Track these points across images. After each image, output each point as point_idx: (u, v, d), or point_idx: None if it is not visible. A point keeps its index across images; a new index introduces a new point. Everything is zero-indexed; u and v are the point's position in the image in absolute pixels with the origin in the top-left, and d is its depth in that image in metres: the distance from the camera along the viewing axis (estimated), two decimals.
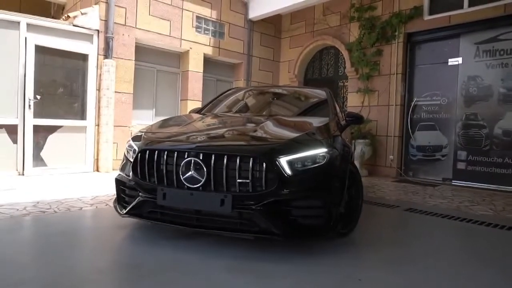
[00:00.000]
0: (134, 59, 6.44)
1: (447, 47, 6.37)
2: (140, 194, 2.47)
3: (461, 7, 6.03)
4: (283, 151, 2.31)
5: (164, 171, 2.38)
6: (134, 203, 2.50)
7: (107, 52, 6.00)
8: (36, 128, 5.40)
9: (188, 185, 2.30)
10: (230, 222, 2.28)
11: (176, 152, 2.36)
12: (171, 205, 2.35)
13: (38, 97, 5.38)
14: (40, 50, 5.41)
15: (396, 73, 6.81)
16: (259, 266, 2.15)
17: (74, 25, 5.72)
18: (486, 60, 5.90)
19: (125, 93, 6.32)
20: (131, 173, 2.53)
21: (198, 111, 4.01)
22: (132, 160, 2.55)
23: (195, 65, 7.35)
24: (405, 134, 6.91)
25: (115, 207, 2.74)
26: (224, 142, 2.57)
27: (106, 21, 6.00)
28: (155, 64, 7.13)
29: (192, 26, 7.24)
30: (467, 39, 6.12)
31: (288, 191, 2.25)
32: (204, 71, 7.55)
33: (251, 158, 2.24)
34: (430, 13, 6.41)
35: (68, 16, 5.76)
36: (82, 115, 5.94)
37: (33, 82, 5.31)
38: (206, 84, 7.81)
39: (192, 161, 2.28)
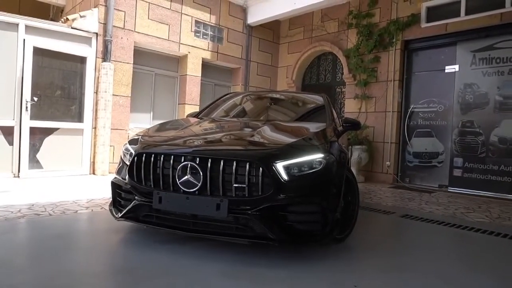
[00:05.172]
0: (132, 62, 6.44)
1: (444, 54, 6.42)
2: (136, 197, 2.46)
3: (458, 15, 6.08)
4: (279, 156, 2.31)
5: (161, 175, 2.37)
6: (129, 206, 2.49)
7: (106, 55, 6.00)
8: (33, 130, 5.38)
9: (184, 189, 2.29)
10: (226, 226, 2.28)
11: (172, 156, 2.35)
12: (166, 209, 2.34)
13: (35, 99, 5.36)
14: (38, 52, 5.40)
15: (393, 80, 6.85)
16: (254, 271, 2.14)
17: (73, 28, 5.73)
18: (483, 68, 5.94)
19: (123, 96, 6.31)
20: (127, 177, 2.52)
21: (195, 115, 4.01)
22: (128, 163, 2.55)
23: (193, 69, 7.37)
24: (401, 140, 6.94)
25: (110, 210, 2.73)
26: (220, 146, 2.57)
27: (105, 24, 6.01)
28: (154, 67, 7.14)
29: (191, 31, 7.27)
30: (463, 47, 6.17)
31: (285, 196, 2.24)
32: (202, 76, 7.57)
33: (248, 163, 2.24)
34: (427, 21, 6.47)
35: (67, 19, 5.77)
36: (79, 118, 5.92)
37: (31, 84, 5.30)
38: (204, 88, 7.82)
39: (189, 165, 2.28)
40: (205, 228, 2.32)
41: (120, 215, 2.56)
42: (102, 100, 5.94)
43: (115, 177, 2.74)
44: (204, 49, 7.52)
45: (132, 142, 2.74)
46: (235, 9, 8.04)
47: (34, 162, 5.44)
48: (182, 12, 7.09)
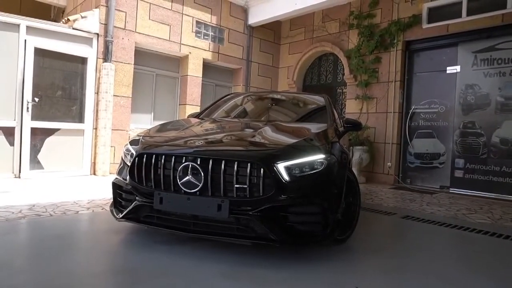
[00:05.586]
0: (133, 63, 6.45)
1: (445, 55, 6.41)
2: (136, 198, 2.46)
3: (459, 16, 6.07)
4: (281, 157, 2.31)
5: (162, 176, 2.37)
6: (130, 207, 2.48)
7: (107, 55, 6.00)
8: (34, 131, 5.38)
9: (185, 189, 2.28)
10: (227, 227, 2.27)
11: (173, 157, 2.35)
12: (167, 209, 2.34)
13: (37, 99, 5.37)
14: (40, 53, 5.41)
15: (395, 81, 6.84)
16: (254, 272, 2.14)
17: (74, 28, 5.74)
18: (484, 68, 5.93)
19: (123, 96, 6.32)
20: (128, 177, 2.52)
21: (196, 115, 4.01)
22: (129, 164, 2.54)
23: (194, 70, 7.37)
24: (403, 141, 6.93)
25: (111, 211, 2.73)
26: (222, 147, 2.57)
27: (106, 25, 6.01)
28: (154, 68, 7.14)
29: (192, 31, 7.27)
30: (465, 48, 6.17)
31: (286, 197, 2.24)
32: (203, 76, 7.57)
33: (249, 164, 2.23)
34: (429, 22, 6.46)
35: (68, 19, 5.78)
36: (80, 118, 5.93)
37: (32, 85, 5.31)
38: (205, 89, 7.82)
39: (190, 165, 2.27)
40: (206, 229, 2.31)
41: (121, 216, 2.56)
42: (103, 100, 5.94)
43: (116, 178, 2.74)
44: (205, 50, 7.53)
45: (133, 142, 2.74)
46: (236, 9, 8.04)
47: (35, 163, 5.45)
48: (183, 12, 7.10)
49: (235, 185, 2.23)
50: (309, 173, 2.33)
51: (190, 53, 7.25)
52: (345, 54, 7.57)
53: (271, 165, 2.24)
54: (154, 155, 2.42)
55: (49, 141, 5.59)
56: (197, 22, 7.36)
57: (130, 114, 6.46)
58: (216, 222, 2.28)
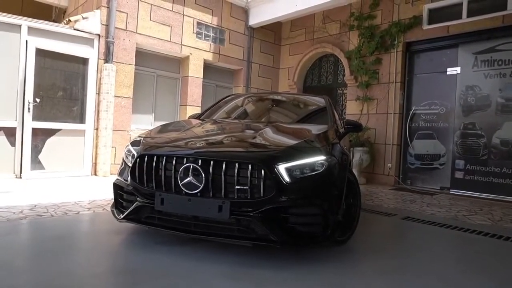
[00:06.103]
0: (134, 63, 6.46)
1: (445, 56, 6.42)
2: (137, 199, 2.46)
3: (460, 17, 6.08)
4: (281, 158, 2.31)
5: (163, 177, 2.38)
6: (131, 208, 2.49)
7: (108, 56, 6.02)
8: (35, 131, 5.39)
9: (186, 191, 2.29)
10: (228, 228, 2.28)
11: (174, 158, 2.36)
12: (168, 210, 2.35)
13: (38, 100, 5.38)
14: (41, 53, 5.42)
15: (395, 82, 6.85)
16: (255, 273, 2.14)
17: (75, 29, 5.75)
18: (484, 70, 5.94)
19: (124, 97, 6.33)
20: (129, 178, 2.53)
21: (197, 116, 4.01)
22: (130, 165, 2.55)
23: (195, 71, 7.38)
24: (403, 142, 6.93)
25: (112, 211, 2.73)
26: (222, 148, 2.58)
27: (107, 26, 6.03)
28: (155, 69, 7.15)
29: (193, 32, 7.28)
30: (465, 49, 6.17)
31: (286, 198, 2.25)
32: (203, 77, 7.58)
33: (250, 165, 2.24)
34: (429, 23, 6.47)
35: (69, 20, 5.79)
36: (81, 119, 5.94)
37: (33, 85, 5.32)
38: (206, 89, 7.83)
39: (191, 167, 2.28)
40: (206, 230, 2.32)
41: (122, 217, 2.56)
42: (104, 101, 5.95)
43: (117, 179, 2.75)
44: (206, 51, 7.54)
45: (134, 143, 2.75)
46: (237, 10, 8.05)
47: (36, 163, 5.46)
48: (184, 13, 7.11)
49: (236, 186, 2.23)
50: (310, 174, 2.33)
51: (191, 54, 7.27)
52: (346, 55, 7.58)
53: (272, 167, 2.25)
54: (155, 156, 2.43)
55: (50, 141, 5.60)
56: (198, 23, 7.37)
57: (131, 114, 6.47)
58: (216, 223, 2.28)
